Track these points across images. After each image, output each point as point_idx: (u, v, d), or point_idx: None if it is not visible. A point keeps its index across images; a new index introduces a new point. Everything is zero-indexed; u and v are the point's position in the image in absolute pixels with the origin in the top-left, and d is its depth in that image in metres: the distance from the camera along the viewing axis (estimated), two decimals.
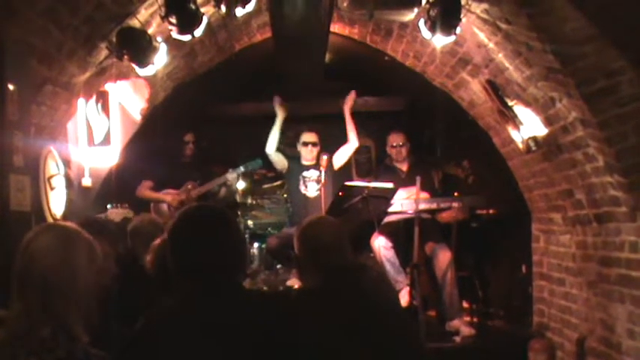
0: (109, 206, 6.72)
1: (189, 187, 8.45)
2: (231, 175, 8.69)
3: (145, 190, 8.42)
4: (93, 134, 6.99)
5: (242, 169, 8.70)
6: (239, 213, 9.11)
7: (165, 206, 8.38)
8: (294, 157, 8.84)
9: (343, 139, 8.81)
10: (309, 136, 8.66)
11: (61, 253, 2.63)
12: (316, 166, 8.51)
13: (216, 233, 2.82)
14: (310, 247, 3.68)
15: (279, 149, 8.80)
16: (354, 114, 9.08)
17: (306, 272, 3.77)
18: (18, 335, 2.49)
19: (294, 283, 7.63)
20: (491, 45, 5.97)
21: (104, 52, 5.43)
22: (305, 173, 8.61)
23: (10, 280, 2.63)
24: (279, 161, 8.81)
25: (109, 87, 6.84)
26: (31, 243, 2.65)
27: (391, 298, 3.98)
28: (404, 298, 7.36)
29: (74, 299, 2.62)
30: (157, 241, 4.12)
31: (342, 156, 8.75)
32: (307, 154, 8.64)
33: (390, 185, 7.50)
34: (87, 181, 6.97)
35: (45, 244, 2.63)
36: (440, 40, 5.46)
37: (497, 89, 6.57)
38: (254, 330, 2.64)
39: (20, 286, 2.59)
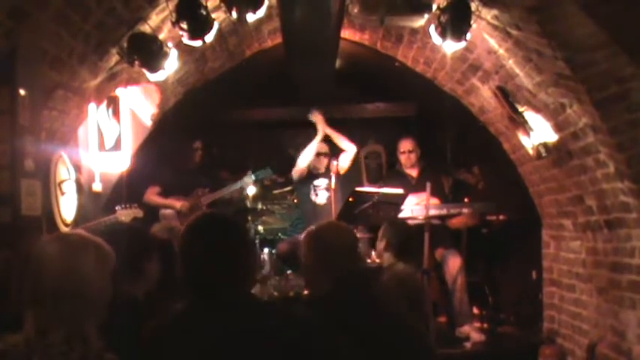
0: (117, 207, 6.71)
1: (199, 193, 8.44)
2: (241, 184, 8.70)
3: (152, 195, 8.39)
4: (104, 139, 7.01)
5: (253, 177, 8.71)
6: (249, 218, 9.11)
7: (171, 212, 8.35)
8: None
9: (354, 145, 8.83)
10: (321, 147, 8.67)
11: (66, 262, 2.63)
12: (326, 175, 8.54)
13: (224, 242, 2.80)
14: (325, 253, 3.65)
15: (289, 159, 8.79)
16: (364, 120, 9.09)
17: (316, 278, 3.74)
18: (31, 340, 2.50)
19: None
20: (501, 51, 5.97)
21: (115, 58, 5.45)
22: (316, 182, 8.67)
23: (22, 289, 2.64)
24: (303, 173, 8.81)
25: (120, 92, 6.86)
26: (36, 255, 2.67)
27: (405, 301, 3.97)
28: None
29: (87, 305, 2.63)
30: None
31: (344, 162, 8.79)
32: (318, 164, 8.67)
33: (400, 191, 7.51)
34: (97, 187, 6.98)
35: (50, 255, 2.64)
36: (450, 46, 5.47)
37: (507, 95, 6.57)
38: (261, 339, 2.63)
39: (31, 296, 2.60)
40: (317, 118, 8.76)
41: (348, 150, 8.80)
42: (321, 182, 8.66)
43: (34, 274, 2.62)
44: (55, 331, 2.51)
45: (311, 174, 8.75)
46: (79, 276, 2.63)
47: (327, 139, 8.77)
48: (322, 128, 8.73)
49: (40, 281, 2.59)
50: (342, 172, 8.69)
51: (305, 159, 8.70)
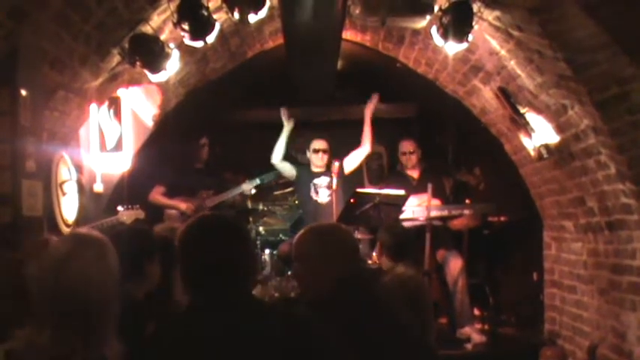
0: (119, 208, 6.69)
1: (204, 195, 8.43)
2: (246, 187, 8.69)
3: (157, 195, 8.38)
4: (105, 140, 7.00)
5: (258, 180, 8.69)
6: (250, 219, 9.10)
7: (175, 212, 8.34)
8: (303, 164, 8.84)
9: (354, 146, 8.80)
10: (319, 143, 8.64)
11: (101, 271, 2.60)
12: (327, 173, 8.51)
13: (224, 244, 2.79)
14: (327, 253, 3.59)
15: (285, 158, 8.79)
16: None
17: (316, 278, 3.69)
18: (33, 344, 2.49)
19: None
20: (503, 52, 5.97)
21: (116, 58, 5.44)
22: (316, 180, 8.61)
23: (33, 294, 2.60)
24: (286, 169, 8.80)
25: (121, 93, 6.86)
26: (68, 260, 2.59)
27: (406, 302, 3.96)
28: None
29: (111, 311, 2.63)
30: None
31: (353, 160, 8.75)
32: (317, 161, 8.62)
33: (401, 192, 7.49)
34: (99, 187, 6.97)
35: (86, 263, 2.59)
36: (452, 48, 5.46)
37: (509, 96, 6.56)
38: (262, 340, 2.62)
39: (56, 304, 2.53)
40: (284, 115, 8.89)
41: (364, 147, 8.75)
42: (321, 181, 8.61)
43: (63, 281, 2.55)
44: (63, 335, 2.49)
45: (310, 171, 8.71)
46: (109, 284, 2.62)
47: (325, 136, 8.75)
48: (290, 126, 8.89)
49: (73, 290, 2.54)
50: (347, 171, 8.67)
51: (276, 156, 8.78)
